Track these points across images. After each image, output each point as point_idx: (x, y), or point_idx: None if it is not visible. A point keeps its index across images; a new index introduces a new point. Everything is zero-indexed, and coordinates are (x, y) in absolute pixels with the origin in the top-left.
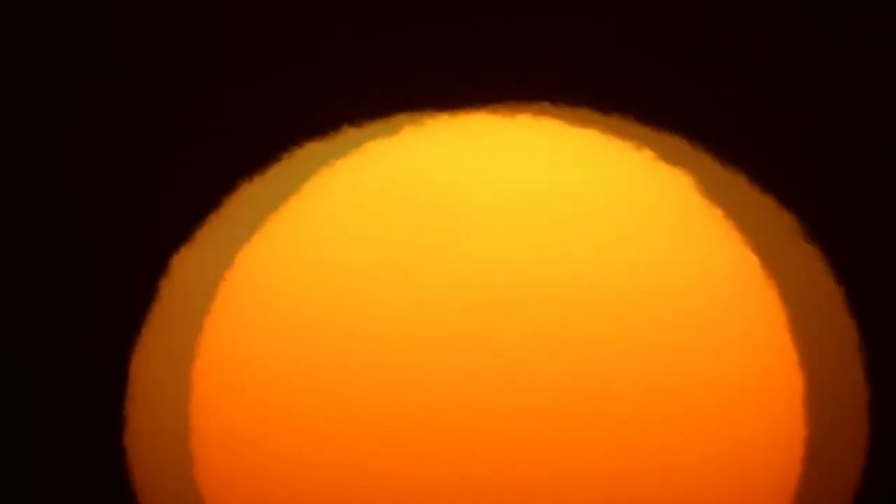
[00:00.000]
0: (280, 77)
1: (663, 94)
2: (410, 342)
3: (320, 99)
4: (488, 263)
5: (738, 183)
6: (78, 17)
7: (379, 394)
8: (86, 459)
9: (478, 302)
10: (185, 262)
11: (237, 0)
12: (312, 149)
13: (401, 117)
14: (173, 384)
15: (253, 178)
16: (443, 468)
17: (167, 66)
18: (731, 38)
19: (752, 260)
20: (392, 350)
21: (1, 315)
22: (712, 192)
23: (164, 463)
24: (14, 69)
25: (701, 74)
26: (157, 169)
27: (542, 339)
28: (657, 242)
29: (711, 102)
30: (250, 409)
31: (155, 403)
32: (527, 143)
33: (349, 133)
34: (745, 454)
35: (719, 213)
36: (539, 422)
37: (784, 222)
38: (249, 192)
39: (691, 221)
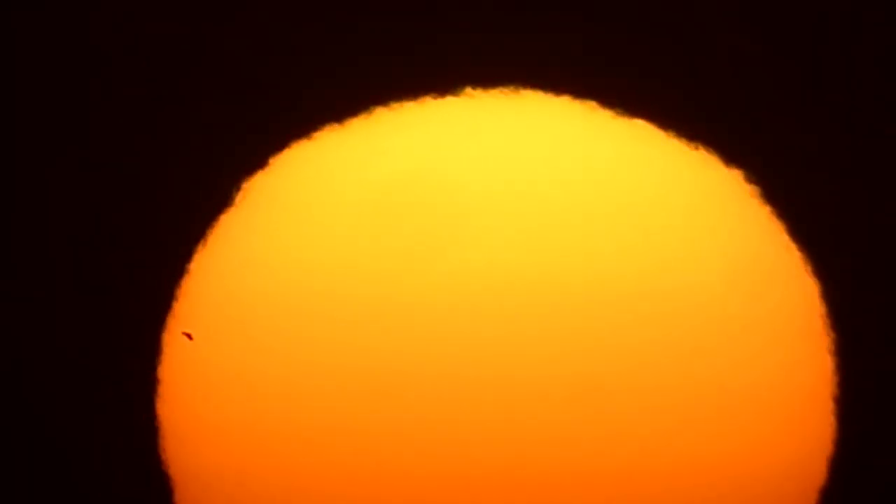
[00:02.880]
0: (272, 75)
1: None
2: (415, 339)
3: (313, 95)
4: (510, 258)
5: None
6: (81, 19)
7: (379, 393)
8: (113, 463)
9: (492, 300)
10: (202, 263)
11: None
12: (305, 147)
13: (406, 106)
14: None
15: (246, 181)
16: (442, 468)
17: (167, 69)
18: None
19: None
20: (394, 347)
21: (17, 319)
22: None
23: (200, 462)
24: (20, 72)
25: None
26: (161, 170)
27: (570, 334)
28: (692, 236)
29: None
30: (256, 406)
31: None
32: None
33: (345, 127)
34: (778, 448)
35: (758, 205)
36: (559, 419)
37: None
38: (248, 193)
39: (727, 214)
